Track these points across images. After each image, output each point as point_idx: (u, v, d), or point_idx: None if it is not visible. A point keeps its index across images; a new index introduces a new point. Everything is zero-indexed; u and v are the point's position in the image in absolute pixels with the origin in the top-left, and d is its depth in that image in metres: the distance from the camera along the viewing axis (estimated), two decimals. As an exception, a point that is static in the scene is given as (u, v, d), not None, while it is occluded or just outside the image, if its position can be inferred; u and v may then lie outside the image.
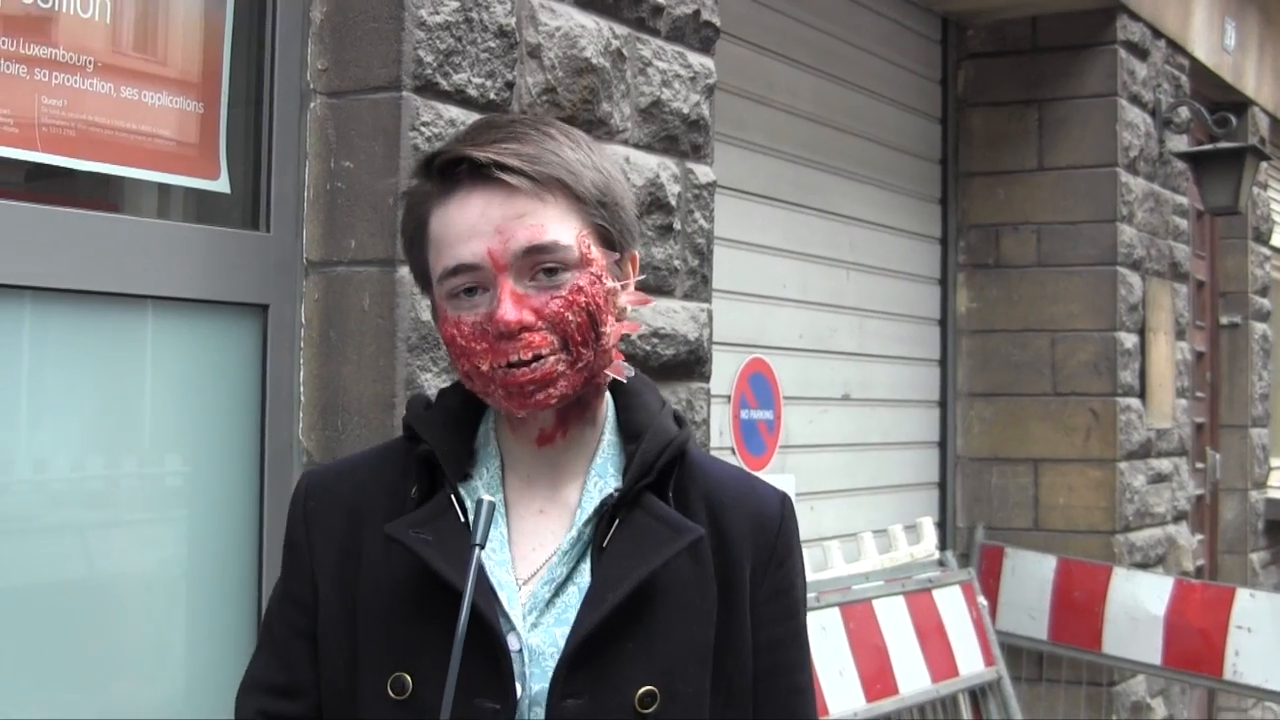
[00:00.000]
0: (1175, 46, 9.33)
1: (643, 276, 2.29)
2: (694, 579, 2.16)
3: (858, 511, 7.84)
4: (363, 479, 2.27)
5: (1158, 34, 9.02)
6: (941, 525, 8.64)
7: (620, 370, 2.20)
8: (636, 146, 4.44)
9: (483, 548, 2.04)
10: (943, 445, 8.75)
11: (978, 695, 7.63)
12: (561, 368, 2.09)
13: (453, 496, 2.16)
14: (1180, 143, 9.31)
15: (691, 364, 4.65)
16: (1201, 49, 9.78)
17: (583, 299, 2.09)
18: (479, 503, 2.06)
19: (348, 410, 3.69)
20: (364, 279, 3.69)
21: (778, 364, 7.08)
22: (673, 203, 4.56)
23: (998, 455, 8.67)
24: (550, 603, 2.13)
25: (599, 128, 4.27)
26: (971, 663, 7.48)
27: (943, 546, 8.34)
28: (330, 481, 2.30)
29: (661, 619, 2.12)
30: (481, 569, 2.08)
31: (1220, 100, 10.34)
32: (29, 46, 3.22)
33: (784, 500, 2.30)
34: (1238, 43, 10.54)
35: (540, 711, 2.09)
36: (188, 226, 3.61)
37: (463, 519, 2.14)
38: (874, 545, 7.64)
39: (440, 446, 2.18)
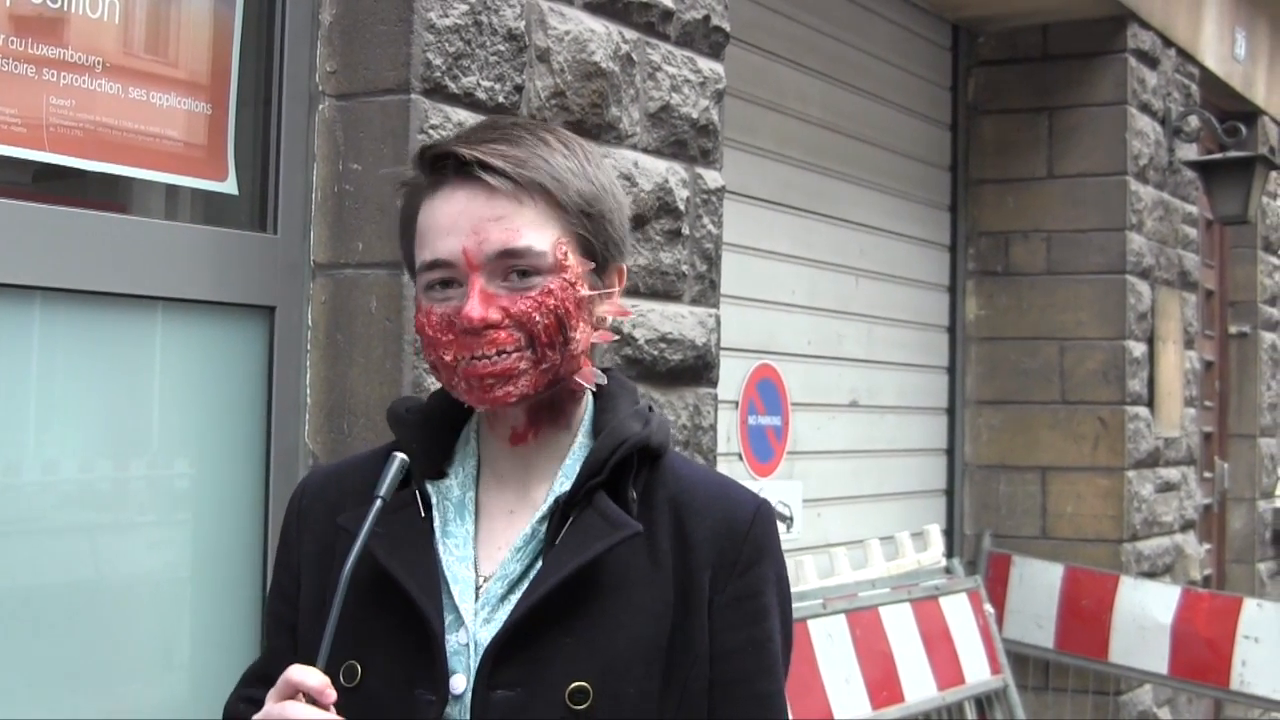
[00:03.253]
0: (1186, 55, 9.33)
1: (624, 302, 2.29)
2: (646, 579, 2.15)
3: (865, 518, 7.83)
4: (351, 479, 2.32)
5: (1168, 43, 9.02)
6: (949, 533, 8.63)
7: (590, 377, 2.21)
8: (645, 151, 4.44)
9: (384, 500, 2.09)
10: (950, 453, 8.74)
11: (984, 703, 7.62)
12: (524, 365, 2.13)
13: (418, 493, 2.21)
14: (1190, 152, 9.31)
15: (699, 369, 4.64)
16: (1212, 58, 9.78)
17: (552, 301, 2.12)
18: (390, 456, 2.14)
19: (354, 413, 3.68)
20: (371, 281, 3.68)
21: (786, 370, 7.07)
22: (681, 208, 4.55)
23: (1006, 463, 8.66)
24: (504, 598, 2.15)
25: (608, 132, 4.27)
26: (978, 671, 7.48)
27: (950, 554, 8.33)
28: (323, 481, 2.37)
29: (605, 616, 2.12)
30: (432, 564, 2.16)
31: (1230, 109, 10.33)
32: (38, 46, 3.22)
33: (759, 507, 2.26)
34: (1248, 52, 10.53)
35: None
36: (195, 228, 3.61)
37: (423, 514, 2.19)
38: (881, 552, 7.64)
39: (409, 444, 2.22)
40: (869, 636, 6.76)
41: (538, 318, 2.11)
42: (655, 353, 4.43)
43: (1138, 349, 8.53)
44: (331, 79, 3.78)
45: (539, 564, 2.15)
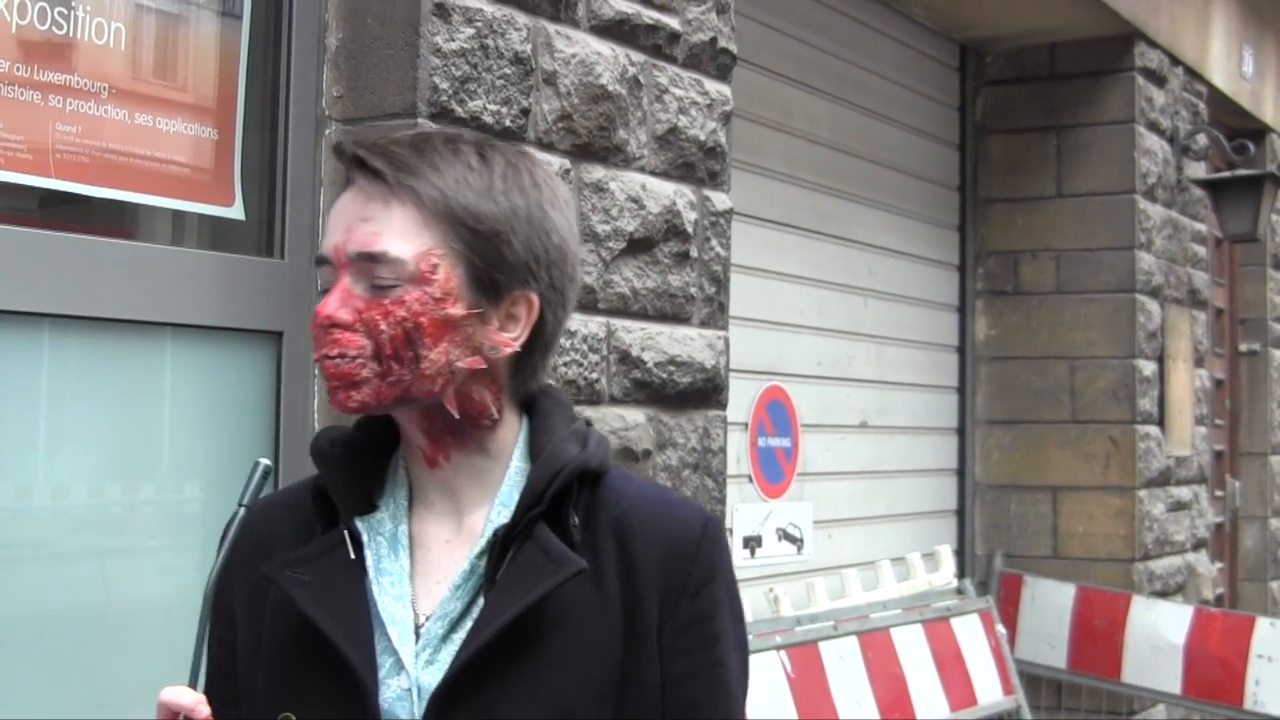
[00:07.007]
0: (1193, 73, 9.32)
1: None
2: (593, 610, 2.06)
3: (876, 539, 7.82)
4: (279, 515, 2.21)
5: (1176, 61, 9.02)
6: (960, 553, 8.62)
7: (454, 403, 2.09)
8: (653, 174, 4.43)
9: (247, 508, 2.05)
10: (961, 473, 8.73)
11: (996, 724, 7.60)
12: (366, 373, 2.04)
13: (346, 532, 2.10)
14: (1198, 170, 9.31)
15: (708, 392, 4.64)
16: (1219, 76, 9.77)
17: (401, 312, 2.02)
18: (254, 464, 2.08)
19: (362, 437, 3.67)
20: (379, 306, 3.67)
21: (795, 391, 7.06)
22: (689, 230, 4.55)
23: (1016, 483, 8.65)
24: (446, 639, 2.06)
25: (615, 155, 4.27)
26: (990, 692, 7.45)
27: (961, 574, 8.32)
28: (256, 517, 2.18)
29: (553, 653, 2.04)
30: (363, 610, 2.06)
31: (1238, 127, 10.32)
32: (44, 73, 3.22)
33: (706, 524, 2.15)
34: (1256, 70, 10.53)
35: None
36: (202, 253, 3.61)
37: (353, 555, 2.09)
38: (892, 573, 7.62)
39: (334, 480, 2.13)
40: (880, 658, 6.74)
41: (384, 327, 2.02)
42: (664, 375, 4.42)
43: (1148, 368, 8.51)
44: (338, 103, 3.78)
45: (480, 600, 2.06)
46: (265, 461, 2.09)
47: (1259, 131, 10.71)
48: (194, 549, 3.65)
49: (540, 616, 2.02)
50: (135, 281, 3.37)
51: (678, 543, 2.12)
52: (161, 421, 3.57)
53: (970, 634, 7.47)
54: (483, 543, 2.08)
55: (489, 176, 2.08)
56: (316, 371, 3.75)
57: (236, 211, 3.67)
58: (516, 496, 2.11)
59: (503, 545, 2.06)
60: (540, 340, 2.14)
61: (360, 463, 2.15)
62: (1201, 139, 9.22)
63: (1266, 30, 10.76)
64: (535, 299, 2.11)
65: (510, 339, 2.10)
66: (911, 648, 7.00)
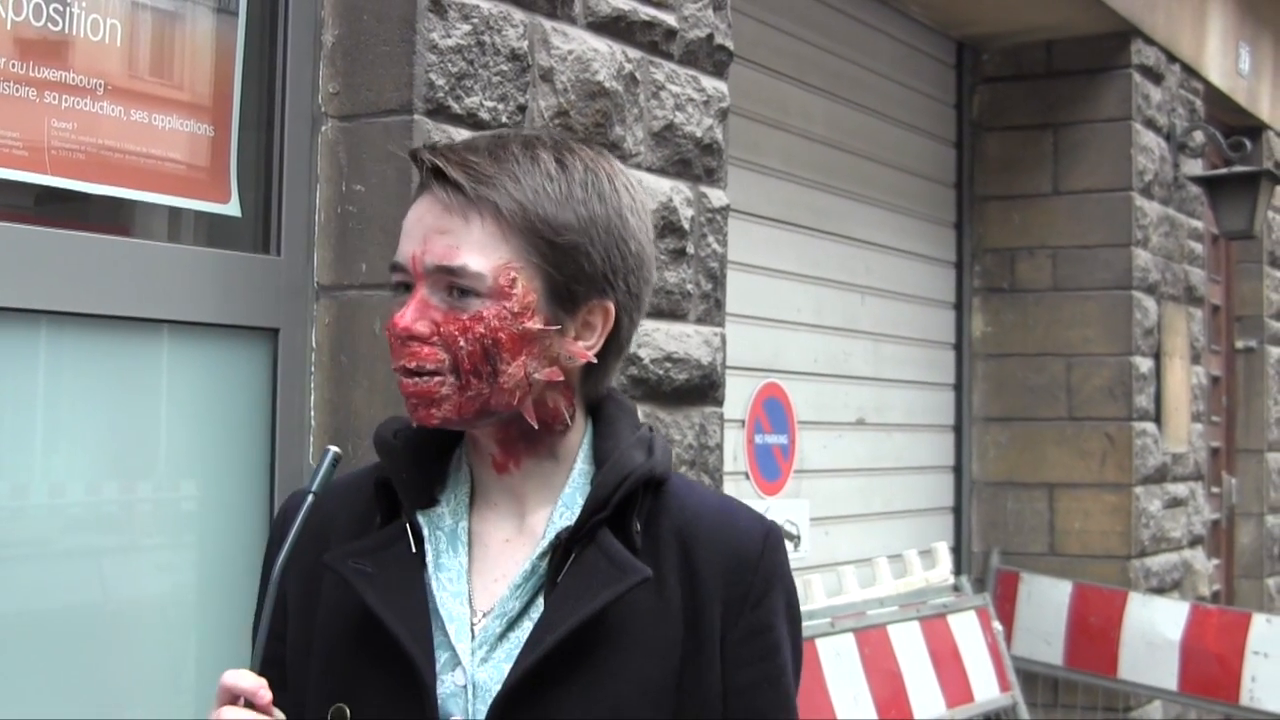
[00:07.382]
0: (1190, 71, 9.33)
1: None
2: (653, 616, 2.07)
3: (872, 536, 7.82)
4: (333, 505, 2.19)
5: (1172, 58, 9.02)
6: (957, 550, 8.61)
7: (532, 414, 2.09)
8: (649, 170, 4.43)
9: (316, 495, 2.05)
10: (958, 470, 8.73)
11: (993, 721, 7.60)
12: (446, 390, 2.04)
13: (408, 525, 2.11)
14: (1195, 167, 9.31)
15: (705, 388, 4.63)
16: (1216, 73, 9.78)
17: (480, 328, 2.02)
18: (324, 452, 2.08)
19: (359, 435, 3.67)
20: (375, 303, 3.68)
21: (792, 388, 7.06)
22: (686, 226, 4.54)
23: (1013, 480, 8.65)
24: (503, 637, 2.07)
25: (612, 151, 4.24)
26: (987, 688, 7.45)
27: (958, 571, 8.31)
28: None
29: (612, 658, 2.05)
30: (423, 604, 2.06)
31: (1235, 124, 10.32)
32: (39, 70, 3.22)
33: (768, 534, 2.16)
34: (1252, 67, 10.53)
35: None
36: (198, 250, 3.60)
37: (414, 549, 2.10)
38: (889, 570, 7.62)
39: (398, 473, 2.13)
40: (877, 655, 6.74)
41: (463, 342, 2.02)
42: (661, 372, 4.42)
43: (1144, 364, 8.52)
44: (334, 100, 3.78)
45: (538, 601, 2.07)
46: (335, 449, 2.10)
47: (1255, 129, 10.71)
48: (190, 546, 3.65)
49: (601, 622, 2.03)
50: (131, 278, 3.37)
51: (741, 552, 2.13)
52: (158, 418, 3.57)
53: (967, 631, 7.47)
54: (545, 544, 2.09)
55: (568, 184, 2.08)
56: (313, 368, 3.75)
57: (232, 208, 3.66)
58: (579, 499, 2.12)
59: (565, 548, 2.07)
60: (614, 346, 2.15)
61: (423, 456, 2.16)
62: (1198, 136, 9.23)
63: (1263, 28, 10.76)
64: (611, 307, 2.11)
65: (586, 348, 2.11)
66: (908, 645, 7.00)
